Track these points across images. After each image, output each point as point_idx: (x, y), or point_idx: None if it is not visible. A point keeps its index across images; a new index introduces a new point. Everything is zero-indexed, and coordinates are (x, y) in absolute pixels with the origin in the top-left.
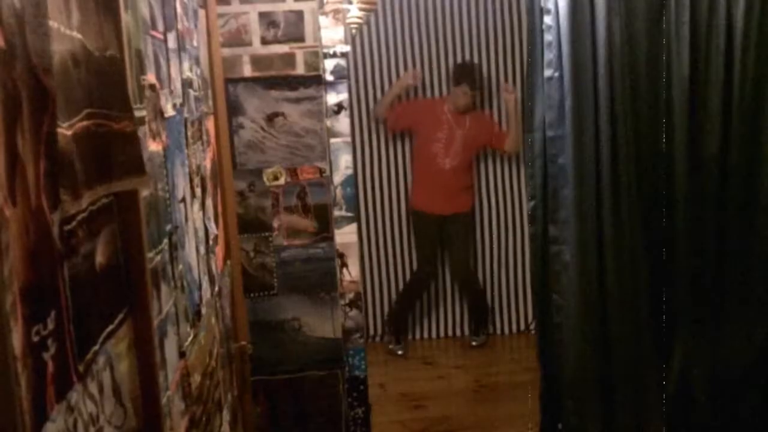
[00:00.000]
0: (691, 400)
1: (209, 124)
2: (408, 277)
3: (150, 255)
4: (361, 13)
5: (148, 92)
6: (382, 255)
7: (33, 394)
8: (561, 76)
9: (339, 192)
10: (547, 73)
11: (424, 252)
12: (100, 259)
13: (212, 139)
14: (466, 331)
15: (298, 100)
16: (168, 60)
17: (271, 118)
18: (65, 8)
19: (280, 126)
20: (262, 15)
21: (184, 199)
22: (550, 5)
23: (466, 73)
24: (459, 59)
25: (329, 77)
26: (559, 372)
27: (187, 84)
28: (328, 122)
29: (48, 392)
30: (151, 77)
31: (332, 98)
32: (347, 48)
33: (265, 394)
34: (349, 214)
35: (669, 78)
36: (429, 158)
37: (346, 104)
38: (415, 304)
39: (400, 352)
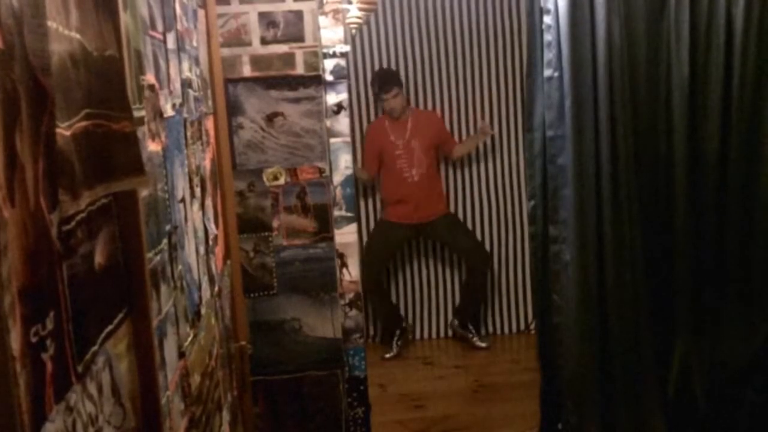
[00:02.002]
0: (691, 400)
1: (209, 124)
2: (408, 277)
3: (149, 255)
4: (361, 13)
5: (147, 92)
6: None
7: (32, 395)
8: (561, 76)
9: (339, 192)
10: (547, 73)
11: (374, 261)
12: (99, 259)
13: (212, 139)
14: (455, 326)
15: (297, 100)
16: (167, 60)
17: (270, 118)
18: (64, 8)
19: (280, 126)
20: (262, 15)
21: (183, 200)
22: (550, 5)
23: (391, 77)
24: (459, 59)
25: (329, 77)
26: (559, 372)
27: (186, 84)
28: (328, 122)
29: (47, 392)
30: (150, 77)
31: (332, 98)
32: (347, 48)
33: (265, 394)
34: (349, 214)
35: (669, 78)
36: (396, 175)
37: (345, 104)
38: (388, 297)
39: (387, 355)
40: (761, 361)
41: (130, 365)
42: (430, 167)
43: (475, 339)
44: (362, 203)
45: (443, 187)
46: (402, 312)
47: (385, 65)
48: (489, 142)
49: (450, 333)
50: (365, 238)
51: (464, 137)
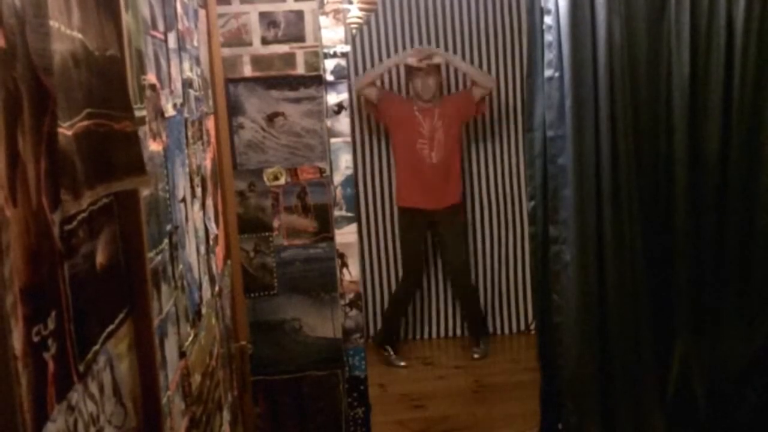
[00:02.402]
0: (690, 400)
1: (209, 124)
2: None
3: (150, 255)
4: (361, 13)
5: (148, 92)
6: (382, 255)
7: (33, 394)
8: (561, 76)
9: (339, 192)
10: (547, 73)
11: (410, 257)
12: (100, 259)
13: (212, 139)
14: (467, 332)
15: (298, 100)
16: (168, 60)
17: (271, 118)
18: (66, 8)
19: (281, 126)
20: (263, 15)
21: (184, 199)
22: (550, 5)
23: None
24: None
25: (329, 77)
26: (559, 372)
27: (187, 84)
28: (328, 122)
29: (48, 392)
30: (151, 77)
31: (332, 98)
32: (347, 48)
33: (265, 394)
34: (349, 214)
35: (669, 78)
36: (414, 156)
37: (346, 104)
38: (406, 312)
39: (402, 363)
40: (761, 361)
41: (131, 365)
42: (449, 150)
43: (473, 348)
44: (362, 203)
45: (460, 175)
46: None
47: None
48: (489, 142)
49: (450, 333)
50: (365, 238)
51: (464, 139)
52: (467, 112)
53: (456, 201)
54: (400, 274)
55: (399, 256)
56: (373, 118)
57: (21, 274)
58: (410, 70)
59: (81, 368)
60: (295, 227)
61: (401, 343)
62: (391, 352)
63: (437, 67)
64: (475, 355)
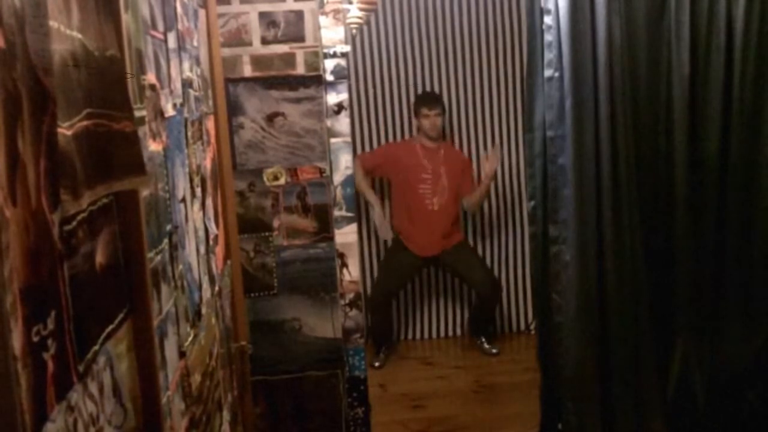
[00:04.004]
0: (691, 400)
1: (209, 124)
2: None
3: (150, 255)
4: (361, 13)
5: (148, 92)
6: (382, 255)
7: (33, 394)
8: (561, 76)
9: (339, 192)
10: (547, 73)
11: (389, 284)
12: (100, 259)
13: (212, 139)
14: (466, 331)
15: (298, 100)
16: (168, 60)
17: (271, 118)
18: (65, 8)
19: (280, 126)
20: (262, 15)
21: (184, 199)
22: (550, 5)
23: (436, 97)
24: (459, 59)
25: (329, 77)
26: (559, 372)
27: (187, 84)
28: (328, 122)
29: (48, 392)
30: (151, 77)
31: (332, 98)
32: (347, 48)
33: (265, 394)
34: (349, 214)
35: (669, 78)
36: (416, 201)
37: (346, 104)
38: (389, 318)
39: (377, 364)
40: (761, 361)
41: (130, 365)
42: (451, 196)
43: (486, 346)
44: (362, 203)
45: (460, 213)
46: (402, 311)
47: (385, 65)
48: (489, 142)
49: (450, 333)
50: (365, 239)
51: (464, 138)
52: (464, 184)
53: (458, 240)
54: None
55: None
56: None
57: (21, 274)
58: (418, 109)
59: (81, 368)
60: (295, 227)
61: (401, 343)
62: (381, 355)
63: (442, 113)
64: (494, 350)
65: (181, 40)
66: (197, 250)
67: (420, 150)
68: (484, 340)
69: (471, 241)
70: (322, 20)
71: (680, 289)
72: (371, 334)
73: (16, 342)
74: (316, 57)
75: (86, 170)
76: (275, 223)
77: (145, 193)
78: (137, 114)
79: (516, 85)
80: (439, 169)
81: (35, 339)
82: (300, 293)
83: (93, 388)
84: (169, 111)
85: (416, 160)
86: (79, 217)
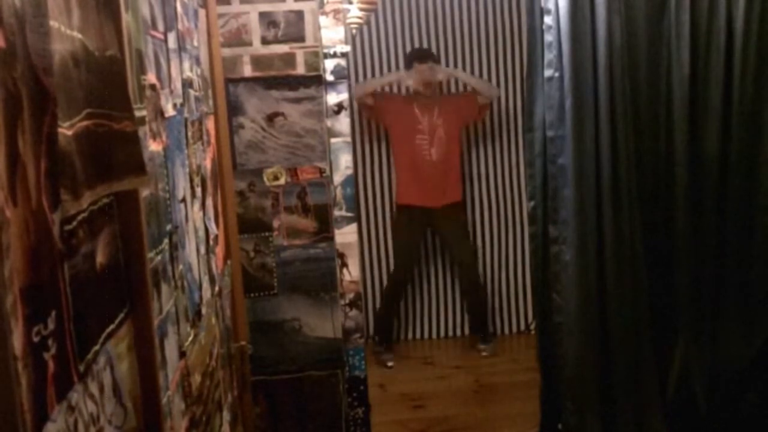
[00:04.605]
0: (691, 400)
1: (209, 124)
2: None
3: (150, 255)
4: (361, 13)
5: (148, 92)
6: (381, 255)
7: (33, 394)
8: (561, 76)
9: (339, 192)
10: (547, 73)
11: (402, 253)
12: (100, 259)
13: (212, 139)
14: (467, 331)
15: (298, 100)
16: (168, 60)
17: (271, 118)
18: (66, 8)
19: (281, 126)
20: (263, 15)
21: (184, 199)
22: (550, 5)
23: (428, 52)
24: (459, 59)
25: (329, 77)
26: (559, 372)
27: (187, 84)
28: (328, 122)
29: (48, 392)
30: (151, 77)
31: (332, 98)
32: (347, 48)
33: (265, 394)
34: (349, 214)
35: (669, 78)
36: (413, 152)
37: (346, 104)
38: (398, 308)
39: (390, 364)
40: (761, 361)
41: (131, 365)
42: (449, 148)
43: (480, 346)
44: (362, 203)
45: (460, 173)
46: (402, 311)
47: (385, 65)
48: (489, 142)
49: (450, 333)
50: (365, 239)
51: (464, 138)
52: (468, 114)
53: (456, 199)
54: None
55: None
56: (373, 121)
57: (21, 274)
58: (411, 66)
59: (81, 368)
60: (295, 227)
61: (401, 343)
62: (383, 350)
63: (435, 65)
64: (484, 353)
65: (181, 40)
66: (197, 250)
67: (415, 103)
68: (480, 338)
69: (471, 241)
70: (322, 20)
71: (680, 289)
72: (379, 325)
73: (17, 342)
74: (316, 57)
75: (86, 170)
76: (275, 223)
77: (145, 193)
78: (137, 114)
79: (516, 85)
80: (436, 121)
81: (36, 339)
82: (300, 293)
83: (93, 387)
84: (170, 111)
85: (411, 111)
86: (79, 217)
